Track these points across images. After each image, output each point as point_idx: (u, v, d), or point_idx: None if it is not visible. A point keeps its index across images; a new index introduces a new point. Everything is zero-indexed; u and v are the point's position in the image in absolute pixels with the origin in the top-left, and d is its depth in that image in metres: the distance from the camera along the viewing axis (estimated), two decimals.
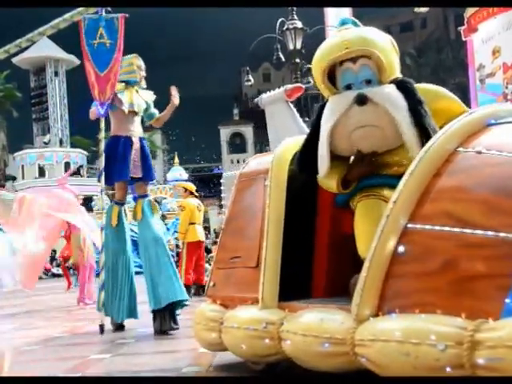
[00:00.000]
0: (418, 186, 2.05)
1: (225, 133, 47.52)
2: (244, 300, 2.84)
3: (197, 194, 8.90)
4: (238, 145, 47.94)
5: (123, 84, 5.09)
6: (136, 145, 5.06)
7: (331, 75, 2.48)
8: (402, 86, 2.36)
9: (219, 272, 3.10)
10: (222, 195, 3.52)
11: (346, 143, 2.38)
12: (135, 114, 5.09)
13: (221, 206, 10.99)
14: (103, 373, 3.35)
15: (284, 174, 2.77)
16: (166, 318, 4.74)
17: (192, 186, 8.95)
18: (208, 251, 10.62)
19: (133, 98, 5.05)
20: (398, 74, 2.46)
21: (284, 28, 14.10)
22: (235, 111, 48.95)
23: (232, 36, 57.47)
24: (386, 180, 2.45)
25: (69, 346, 4.60)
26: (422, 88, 2.45)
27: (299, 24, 14.20)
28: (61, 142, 35.89)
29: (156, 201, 6.51)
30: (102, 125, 4.99)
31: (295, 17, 14.25)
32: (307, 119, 13.50)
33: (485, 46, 13.22)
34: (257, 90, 54.61)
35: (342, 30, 2.52)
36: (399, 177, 2.45)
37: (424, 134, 2.28)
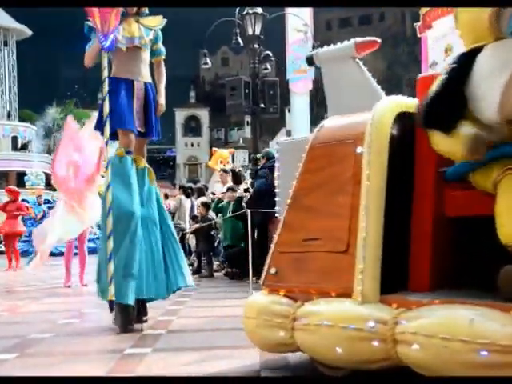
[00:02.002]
0: None
1: (180, 115, 46.54)
2: (325, 292, 2.33)
3: None
4: (193, 128, 47.08)
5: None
6: (139, 91, 4.06)
7: None
8: None
9: (284, 257, 2.56)
10: (276, 165, 3.03)
11: None
12: (139, 49, 4.06)
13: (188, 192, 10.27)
14: (43, 353, 3.24)
15: (386, 140, 2.27)
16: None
17: None
18: None
19: (133, 31, 4.04)
20: None
21: (244, 12, 13.63)
22: (192, 94, 47.95)
23: (191, 16, 56.13)
24: None
25: (8, 325, 4.37)
26: None
27: (259, 9, 13.79)
28: (8, 115, 33.92)
29: None
30: (105, 62, 3.94)
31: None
32: (263, 106, 13.02)
33: (438, 44, 13.19)
34: (214, 73, 53.83)
35: None
36: None
37: None
